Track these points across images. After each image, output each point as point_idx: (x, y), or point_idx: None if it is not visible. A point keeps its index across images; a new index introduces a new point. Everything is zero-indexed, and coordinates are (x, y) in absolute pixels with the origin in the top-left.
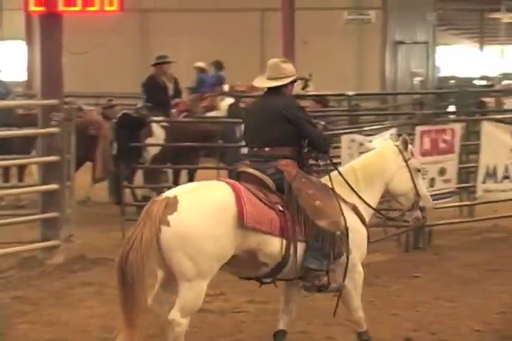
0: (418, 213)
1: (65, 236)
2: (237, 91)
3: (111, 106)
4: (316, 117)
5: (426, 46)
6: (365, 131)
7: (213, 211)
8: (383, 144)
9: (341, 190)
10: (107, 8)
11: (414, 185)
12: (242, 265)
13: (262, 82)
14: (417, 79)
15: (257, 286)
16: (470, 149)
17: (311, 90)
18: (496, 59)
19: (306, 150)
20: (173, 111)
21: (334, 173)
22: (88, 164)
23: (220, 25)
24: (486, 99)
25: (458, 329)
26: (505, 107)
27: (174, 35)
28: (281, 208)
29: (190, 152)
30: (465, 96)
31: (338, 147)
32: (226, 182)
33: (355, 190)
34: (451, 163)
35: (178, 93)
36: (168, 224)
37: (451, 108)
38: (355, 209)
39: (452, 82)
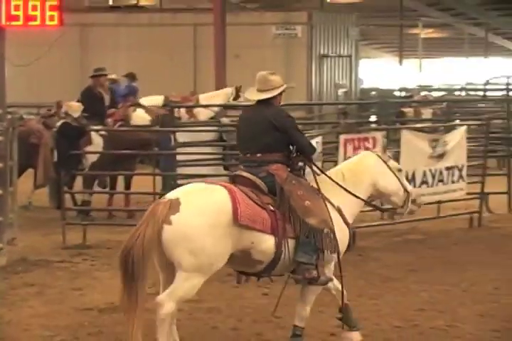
0: (412, 206)
1: (7, 239)
2: (172, 101)
3: (50, 116)
4: None
5: (349, 59)
6: None
7: (212, 212)
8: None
9: (327, 192)
10: (48, 22)
11: (401, 184)
12: (238, 263)
13: (253, 95)
14: (340, 91)
15: None
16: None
17: (242, 101)
18: (414, 72)
19: (294, 155)
20: (109, 120)
21: (321, 176)
22: (30, 171)
23: (155, 39)
24: (405, 109)
25: (379, 325)
26: (423, 117)
27: (112, 49)
28: (272, 208)
29: (127, 159)
30: (386, 106)
31: None
32: (222, 186)
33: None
34: None
35: (113, 103)
36: (170, 223)
37: (373, 117)
38: (339, 210)
39: (374, 93)
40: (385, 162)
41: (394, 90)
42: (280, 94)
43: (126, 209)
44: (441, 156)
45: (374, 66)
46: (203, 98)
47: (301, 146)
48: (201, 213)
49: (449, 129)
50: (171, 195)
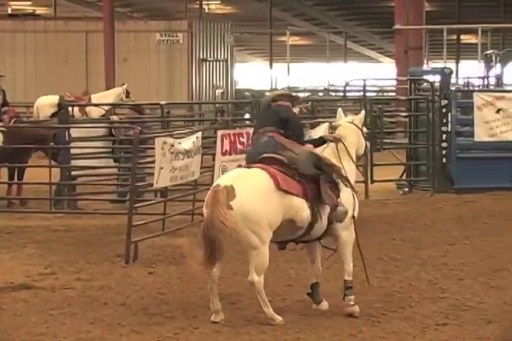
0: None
1: None
2: (67, 100)
3: None
4: (133, 123)
5: (225, 63)
6: (176, 134)
7: (262, 193)
8: (344, 121)
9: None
10: None
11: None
12: (284, 232)
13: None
14: (218, 91)
15: (84, 266)
16: None
17: (130, 100)
18: (283, 75)
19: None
20: (5, 117)
21: (330, 147)
22: None
23: (50, 44)
24: None
25: (253, 299)
26: None
27: (10, 53)
28: (298, 178)
29: (25, 153)
30: (258, 105)
31: (152, 148)
32: (259, 168)
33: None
34: None
35: (5, 102)
36: (231, 208)
37: (247, 115)
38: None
39: (247, 93)
40: (360, 129)
41: (265, 91)
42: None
43: (21, 198)
44: None
45: (247, 69)
46: (95, 97)
47: (296, 132)
48: (254, 195)
49: (314, 126)
50: (224, 181)
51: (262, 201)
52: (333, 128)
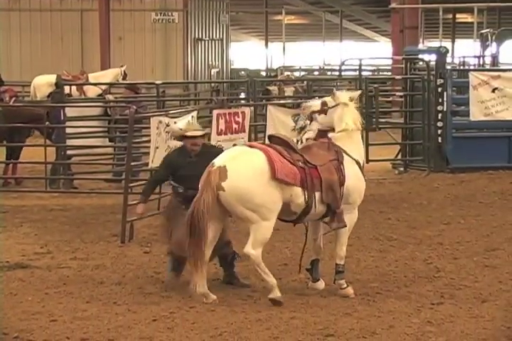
0: None
1: None
2: (63, 79)
3: None
4: (129, 103)
5: (221, 43)
6: (171, 113)
7: (254, 174)
8: (343, 97)
9: (348, 148)
10: None
11: None
12: (279, 213)
13: None
14: (214, 71)
15: (80, 245)
16: (257, 129)
17: (126, 80)
18: (279, 54)
19: None
20: (6, 95)
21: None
22: None
23: (45, 23)
24: (271, 87)
25: (248, 278)
26: (286, 94)
27: (5, 32)
28: (301, 165)
29: (22, 132)
30: (253, 84)
31: (148, 127)
32: (259, 148)
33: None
34: (242, 141)
35: (1, 82)
36: (223, 189)
37: (242, 94)
38: (358, 163)
39: (243, 73)
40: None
41: (261, 70)
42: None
43: (16, 177)
44: (302, 129)
45: (243, 49)
46: (92, 77)
47: None
48: (246, 177)
49: None
50: (219, 161)
51: (254, 182)
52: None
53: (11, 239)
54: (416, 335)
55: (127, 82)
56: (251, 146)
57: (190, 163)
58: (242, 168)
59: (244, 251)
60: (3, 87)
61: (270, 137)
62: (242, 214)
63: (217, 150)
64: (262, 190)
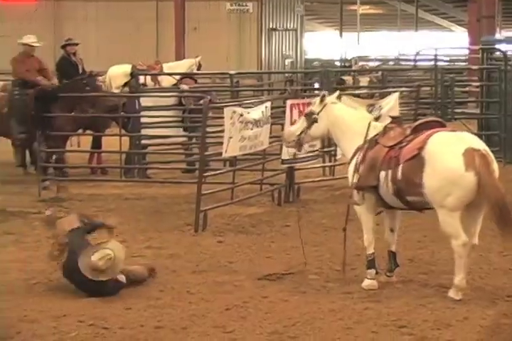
0: None
1: None
2: (138, 69)
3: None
4: (203, 92)
5: (295, 33)
6: (245, 104)
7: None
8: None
9: None
10: None
11: None
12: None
13: None
14: (287, 61)
15: (154, 234)
16: None
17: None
18: (353, 44)
19: None
20: None
21: None
22: None
23: (121, 13)
24: (345, 78)
25: (321, 268)
26: (361, 84)
27: (82, 22)
28: None
29: (105, 121)
30: (327, 75)
31: (221, 117)
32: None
33: None
34: None
35: (84, 72)
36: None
37: (316, 85)
38: None
39: (317, 63)
40: None
41: (335, 60)
42: None
43: (92, 166)
44: (376, 119)
45: (317, 39)
46: (167, 67)
47: None
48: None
49: (384, 95)
50: (478, 145)
51: None
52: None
53: None
54: (491, 327)
55: (195, 72)
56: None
57: None
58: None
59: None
60: None
61: (429, 122)
62: None
63: None
64: None
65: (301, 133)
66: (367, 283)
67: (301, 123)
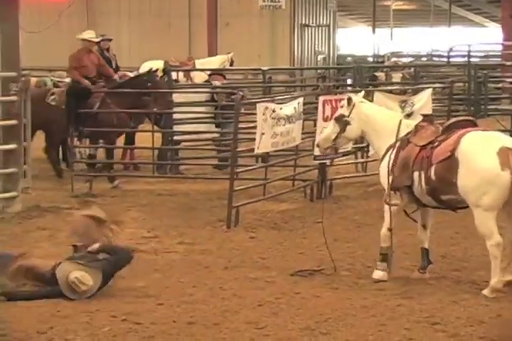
0: None
1: (22, 188)
2: (171, 65)
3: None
4: (235, 88)
5: (328, 29)
6: (277, 99)
7: None
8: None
9: None
10: None
11: None
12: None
13: None
14: (320, 57)
15: (186, 230)
16: None
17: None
18: (386, 40)
19: None
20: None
21: None
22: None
23: (154, 8)
24: (378, 74)
25: (353, 265)
26: (394, 80)
27: (115, 17)
28: None
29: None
30: (360, 71)
31: (254, 113)
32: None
33: None
34: None
35: (117, 67)
36: None
37: (349, 81)
38: None
39: (349, 59)
40: None
41: (368, 56)
42: None
43: (124, 162)
44: (409, 115)
45: (350, 34)
46: (199, 63)
47: None
48: None
49: (417, 91)
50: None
51: None
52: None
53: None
54: None
55: (228, 68)
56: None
57: None
58: None
59: None
60: (119, 72)
61: (463, 121)
62: None
63: None
64: None
65: (335, 137)
66: (376, 274)
67: (333, 128)
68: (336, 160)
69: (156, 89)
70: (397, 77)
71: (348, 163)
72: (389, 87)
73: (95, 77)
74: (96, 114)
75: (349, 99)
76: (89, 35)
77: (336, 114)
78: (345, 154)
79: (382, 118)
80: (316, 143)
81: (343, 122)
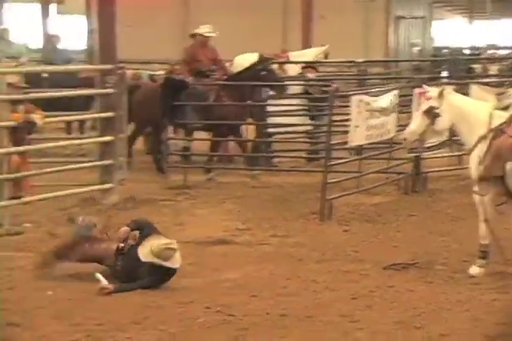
0: None
1: (118, 180)
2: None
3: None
4: (329, 80)
5: (423, 20)
6: (372, 92)
7: None
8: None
9: None
10: None
11: None
12: None
13: None
14: (415, 49)
15: (279, 222)
16: None
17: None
18: (483, 31)
19: None
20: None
21: None
22: None
23: (248, 2)
24: (474, 66)
25: (448, 259)
26: (490, 73)
27: (211, 11)
28: None
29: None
30: (456, 63)
31: (348, 106)
32: None
33: None
34: None
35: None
36: None
37: (445, 73)
38: None
39: (445, 51)
40: None
41: (464, 48)
42: None
43: (219, 154)
44: (506, 108)
45: (446, 26)
46: (294, 56)
47: None
48: None
49: None
50: None
51: None
52: None
53: (214, 215)
54: None
55: (322, 60)
56: None
57: None
58: None
59: None
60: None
61: None
62: None
63: None
64: None
65: (424, 130)
66: (473, 270)
67: (421, 121)
68: (431, 153)
69: (272, 76)
70: (494, 69)
71: (443, 156)
72: (486, 80)
73: (209, 70)
74: (210, 107)
75: (441, 91)
76: (204, 29)
77: (425, 107)
78: (440, 147)
79: (474, 110)
80: (403, 136)
81: (432, 114)
